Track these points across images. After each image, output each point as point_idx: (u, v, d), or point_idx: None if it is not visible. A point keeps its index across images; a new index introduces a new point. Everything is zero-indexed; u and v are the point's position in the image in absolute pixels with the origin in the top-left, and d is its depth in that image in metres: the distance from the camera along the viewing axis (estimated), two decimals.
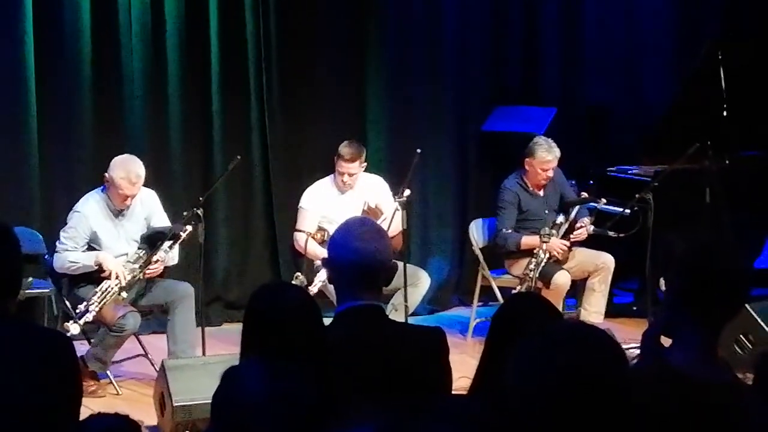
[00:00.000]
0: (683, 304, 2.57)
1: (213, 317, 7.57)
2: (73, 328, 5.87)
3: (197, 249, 6.30)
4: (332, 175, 7.10)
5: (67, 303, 6.37)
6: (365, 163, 7.09)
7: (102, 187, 6.29)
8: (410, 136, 7.99)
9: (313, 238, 6.77)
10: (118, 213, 6.28)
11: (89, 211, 6.24)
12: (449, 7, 8.28)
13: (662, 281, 6.07)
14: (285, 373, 2.19)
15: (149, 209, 6.39)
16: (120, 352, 6.29)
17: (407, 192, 6.63)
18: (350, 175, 6.98)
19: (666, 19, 8.82)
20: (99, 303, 6.00)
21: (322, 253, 6.47)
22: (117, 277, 6.06)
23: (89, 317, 5.96)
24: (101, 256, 6.16)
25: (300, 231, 6.93)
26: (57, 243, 6.28)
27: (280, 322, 2.79)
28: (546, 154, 7.07)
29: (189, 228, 6.20)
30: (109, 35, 7.32)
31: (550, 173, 7.14)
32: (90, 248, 6.24)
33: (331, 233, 6.15)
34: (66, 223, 6.29)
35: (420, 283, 7.02)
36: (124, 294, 6.12)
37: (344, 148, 6.98)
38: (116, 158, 6.27)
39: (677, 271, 2.62)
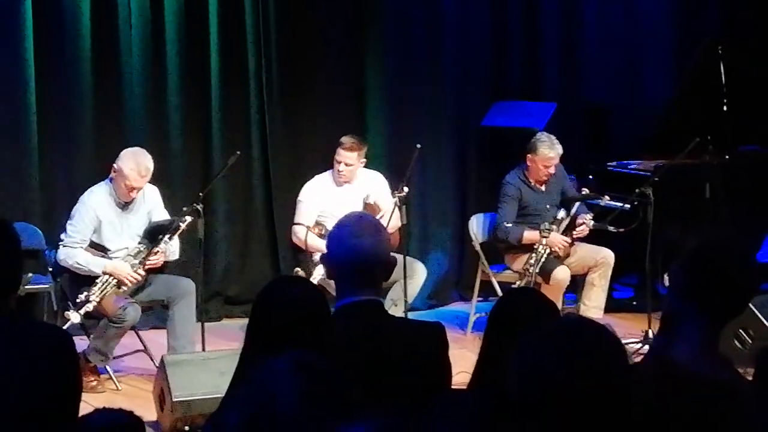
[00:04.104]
0: (689, 299, 2.57)
1: (212, 312, 7.56)
2: (74, 317, 5.89)
3: (197, 244, 6.30)
4: (331, 170, 7.09)
5: (67, 294, 6.36)
6: (364, 160, 7.09)
7: (108, 179, 6.28)
8: (410, 131, 7.98)
9: (311, 231, 6.77)
10: (123, 206, 6.27)
11: (95, 202, 6.23)
12: (449, 3, 8.27)
13: (666, 277, 6.08)
14: (323, 383, 2.17)
15: (152, 205, 6.39)
16: (120, 347, 6.29)
17: (406, 189, 6.62)
18: (347, 165, 6.97)
19: (666, 15, 8.81)
20: (99, 294, 6.01)
21: (323, 244, 6.47)
22: (127, 283, 6.08)
23: (89, 307, 5.97)
24: (110, 267, 6.14)
25: (298, 224, 6.93)
26: (62, 235, 6.26)
27: (291, 316, 2.77)
28: (548, 151, 7.07)
29: (189, 218, 6.19)
30: (109, 33, 7.32)
31: (552, 169, 7.14)
32: (92, 241, 6.24)
33: (329, 228, 6.18)
34: (71, 215, 6.28)
35: (416, 275, 7.01)
36: (124, 287, 6.13)
37: (345, 137, 7.01)
38: (126, 150, 6.27)
39: (686, 265, 2.62)
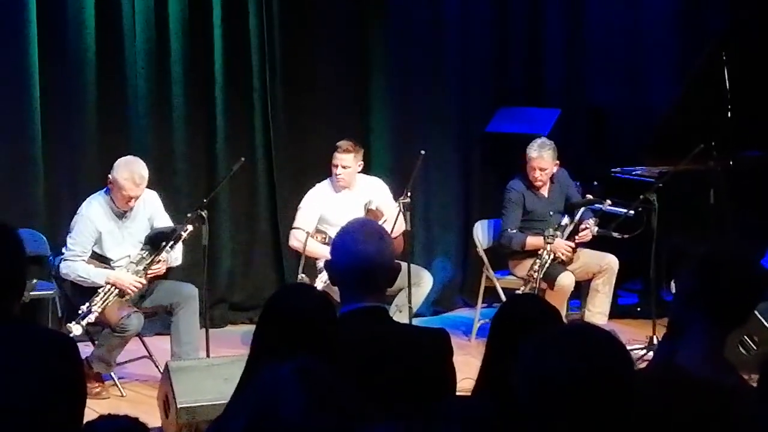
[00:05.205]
0: (695, 305, 2.57)
1: (217, 319, 7.55)
2: (76, 329, 5.88)
3: (201, 251, 6.30)
4: (330, 178, 7.08)
5: (72, 301, 6.36)
6: (362, 163, 7.07)
7: (105, 189, 6.28)
8: (414, 137, 7.99)
9: (313, 239, 6.75)
10: (122, 215, 6.27)
11: (93, 213, 6.23)
12: (452, 8, 8.27)
13: (672, 284, 6.08)
14: (325, 390, 2.17)
15: (152, 210, 6.39)
16: (124, 353, 6.29)
17: (409, 195, 6.61)
18: (344, 167, 6.95)
19: (669, 20, 8.80)
20: (101, 304, 6.01)
21: (324, 250, 6.46)
22: (130, 292, 6.07)
23: (91, 318, 5.96)
24: (112, 277, 6.13)
25: (297, 228, 6.89)
26: (64, 249, 6.26)
27: (297, 323, 2.77)
28: (530, 151, 7.09)
29: (190, 227, 6.20)
30: (113, 37, 7.32)
31: (539, 174, 7.10)
32: (94, 252, 6.23)
33: (330, 235, 6.16)
34: (70, 227, 6.28)
35: (423, 283, 7.01)
36: (127, 296, 6.13)
37: (341, 141, 6.99)
38: (120, 159, 6.27)
39: (693, 272, 2.62)
